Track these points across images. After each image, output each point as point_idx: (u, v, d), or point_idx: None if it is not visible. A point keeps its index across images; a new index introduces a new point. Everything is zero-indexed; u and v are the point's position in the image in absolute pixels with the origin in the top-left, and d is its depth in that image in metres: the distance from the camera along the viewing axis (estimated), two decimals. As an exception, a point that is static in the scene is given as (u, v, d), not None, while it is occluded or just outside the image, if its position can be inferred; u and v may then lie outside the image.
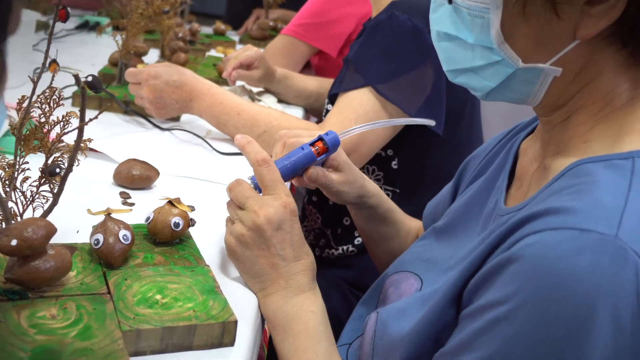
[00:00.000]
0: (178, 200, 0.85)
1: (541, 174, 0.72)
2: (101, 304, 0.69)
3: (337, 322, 0.93)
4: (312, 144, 0.90)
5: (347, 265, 1.47)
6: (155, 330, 0.67)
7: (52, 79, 0.72)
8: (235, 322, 0.71)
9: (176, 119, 1.41)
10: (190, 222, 0.84)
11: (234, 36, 2.50)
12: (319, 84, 1.73)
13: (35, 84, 0.70)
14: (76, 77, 0.66)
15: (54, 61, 0.72)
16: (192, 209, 0.92)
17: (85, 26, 2.12)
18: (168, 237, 0.82)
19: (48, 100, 0.74)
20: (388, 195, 1.44)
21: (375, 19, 1.33)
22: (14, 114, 1.10)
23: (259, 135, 1.28)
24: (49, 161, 0.74)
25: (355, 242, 1.45)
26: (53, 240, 0.79)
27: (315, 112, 1.79)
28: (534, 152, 0.78)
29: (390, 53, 1.29)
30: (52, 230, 0.68)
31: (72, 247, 0.72)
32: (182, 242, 0.84)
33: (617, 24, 0.63)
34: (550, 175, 0.68)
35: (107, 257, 0.75)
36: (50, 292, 0.69)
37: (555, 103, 0.70)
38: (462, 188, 0.97)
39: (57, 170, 0.73)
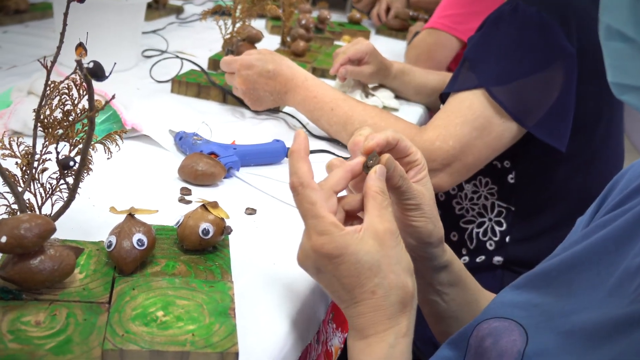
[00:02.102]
0: (215, 204, 0.77)
1: None
2: (94, 315, 0.63)
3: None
4: None
5: None
6: (141, 352, 0.60)
7: (81, 66, 0.67)
8: (236, 354, 0.62)
9: (275, 110, 1.34)
10: (224, 230, 0.76)
11: (371, 26, 2.39)
12: (442, 80, 1.57)
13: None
14: (78, 62, 0.60)
15: (80, 45, 0.67)
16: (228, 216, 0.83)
17: (217, 12, 2.11)
18: (196, 245, 0.74)
19: (77, 87, 0.69)
20: (501, 212, 1.28)
21: (498, 10, 1.17)
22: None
23: (352, 134, 1.17)
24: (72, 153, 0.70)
25: (462, 260, 1.31)
26: (90, 236, 0.76)
27: (437, 110, 1.64)
28: None
29: (512, 51, 1.14)
30: (48, 230, 0.62)
31: (78, 248, 0.67)
32: (216, 251, 0.77)
33: None
34: None
35: (118, 262, 0.69)
36: (47, 294, 0.64)
37: None
38: (598, 216, 0.76)
39: (71, 163, 0.68)
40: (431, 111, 1.63)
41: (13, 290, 0.63)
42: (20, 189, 0.68)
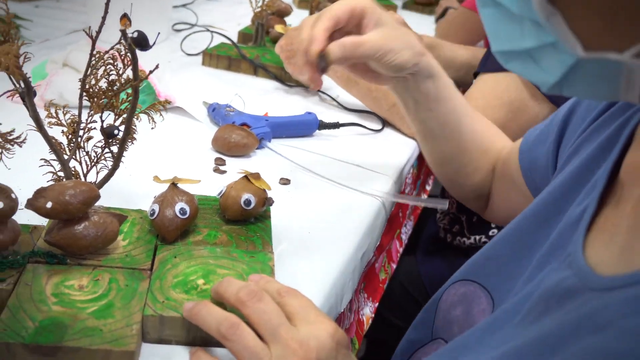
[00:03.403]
0: (257, 175, 0.77)
1: (633, 219, 0.49)
2: (136, 281, 0.64)
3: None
4: None
5: None
6: (179, 319, 0.60)
7: (125, 36, 0.67)
8: (274, 323, 0.62)
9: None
10: (266, 201, 0.76)
11: (398, 0, 2.34)
12: (471, 55, 1.53)
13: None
14: (123, 32, 0.60)
15: (124, 16, 0.67)
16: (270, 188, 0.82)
17: None
18: (238, 215, 0.74)
19: (122, 57, 0.70)
20: None
21: None
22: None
23: (393, 104, 1.15)
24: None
25: (490, 233, 1.29)
26: (133, 204, 0.76)
27: (466, 85, 1.59)
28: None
29: None
30: (92, 197, 0.63)
31: (121, 216, 0.68)
32: (257, 222, 0.77)
33: None
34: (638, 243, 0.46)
35: (160, 230, 0.69)
36: (91, 260, 0.65)
37: None
38: (560, 160, 0.72)
39: (116, 132, 0.68)
40: (460, 87, 1.59)
41: (58, 255, 0.64)
42: (66, 157, 0.69)
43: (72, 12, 1.65)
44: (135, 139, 0.72)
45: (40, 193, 0.62)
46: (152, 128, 0.74)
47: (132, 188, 0.84)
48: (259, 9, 1.41)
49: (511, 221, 0.69)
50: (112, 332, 0.57)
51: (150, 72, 0.67)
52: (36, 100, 0.60)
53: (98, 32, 0.66)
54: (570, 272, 0.51)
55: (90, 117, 0.70)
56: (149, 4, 1.37)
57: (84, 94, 0.69)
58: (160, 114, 0.73)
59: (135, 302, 0.61)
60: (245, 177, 0.76)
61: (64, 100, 1.01)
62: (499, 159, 0.92)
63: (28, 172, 0.72)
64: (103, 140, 0.70)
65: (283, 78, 1.33)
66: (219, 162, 0.95)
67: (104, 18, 0.66)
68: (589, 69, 0.45)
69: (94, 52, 0.69)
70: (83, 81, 0.68)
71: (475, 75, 1.20)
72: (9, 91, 0.62)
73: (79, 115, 0.70)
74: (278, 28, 1.35)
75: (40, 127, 0.66)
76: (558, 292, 0.51)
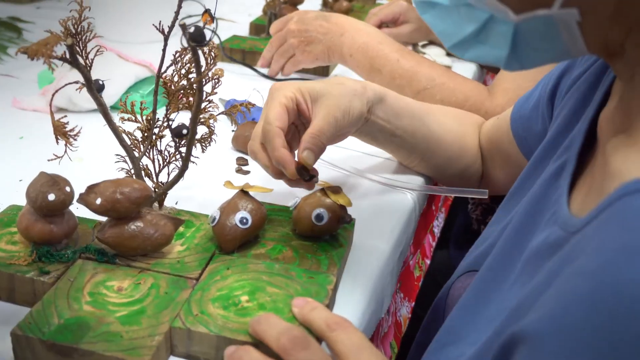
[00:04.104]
0: (336, 189, 0.70)
1: (604, 167, 0.49)
2: (177, 289, 0.60)
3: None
4: None
5: None
6: (208, 336, 0.55)
7: (184, 31, 0.63)
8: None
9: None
10: (342, 218, 0.69)
11: None
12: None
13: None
14: (182, 26, 0.57)
15: (207, 11, 0.64)
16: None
17: None
18: (308, 230, 0.68)
19: (206, 56, 0.67)
20: None
21: None
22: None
23: (417, 92, 1.04)
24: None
25: None
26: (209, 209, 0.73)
27: (492, 67, 1.42)
28: (613, 108, 0.54)
29: None
30: (144, 196, 0.61)
31: (178, 220, 0.64)
32: (332, 240, 0.70)
33: None
34: (606, 182, 0.46)
35: (218, 238, 0.66)
36: (141, 262, 0.63)
37: (608, 52, 0.49)
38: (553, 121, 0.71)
39: (184, 131, 0.66)
40: (485, 68, 1.43)
41: (108, 254, 0.63)
42: (137, 155, 0.68)
43: (76, 11, 1.62)
44: (213, 139, 0.69)
45: (92, 188, 0.61)
46: (233, 130, 0.70)
47: (211, 192, 0.81)
48: None
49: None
50: (132, 341, 0.54)
51: (157, 77, 0.64)
52: (44, 106, 0.59)
53: (170, 28, 0.64)
54: (556, 226, 0.51)
55: (168, 115, 0.68)
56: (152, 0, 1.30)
57: (164, 91, 0.68)
58: (245, 116, 0.70)
59: (168, 312, 0.57)
60: (322, 189, 0.70)
61: (73, 104, 0.98)
62: (481, 136, 0.91)
63: (109, 167, 0.72)
64: (173, 141, 0.68)
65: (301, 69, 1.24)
66: (241, 161, 0.89)
67: (177, 12, 0.64)
68: (529, 33, 0.48)
69: (177, 51, 0.67)
70: (157, 78, 0.66)
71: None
72: (73, 82, 0.61)
73: (154, 112, 0.68)
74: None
75: (109, 121, 0.65)
76: (545, 248, 0.51)
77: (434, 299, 0.74)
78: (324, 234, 0.69)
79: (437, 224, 1.13)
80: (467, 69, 1.36)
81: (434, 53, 1.42)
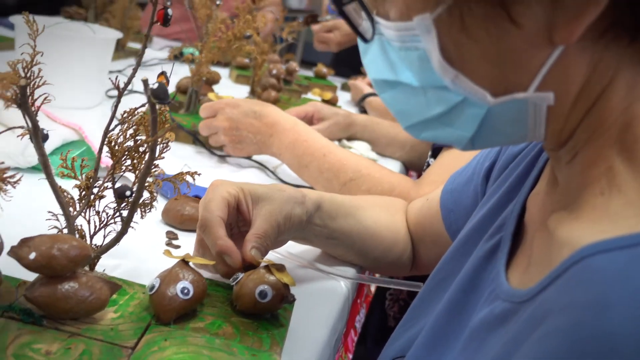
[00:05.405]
0: (281, 267, 0.68)
1: (545, 240, 0.51)
2: (111, 358, 0.55)
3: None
4: None
5: None
6: (147, 410, 0.51)
7: (146, 87, 0.61)
8: None
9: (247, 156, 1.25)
10: (286, 298, 0.66)
11: (337, 82, 2.33)
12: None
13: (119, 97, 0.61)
14: (144, 82, 0.56)
15: (162, 73, 0.63)
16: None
17: (179, 57, 1.99)
18: (250, 307, 0.65)
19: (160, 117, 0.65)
20: None
21: None
22: (69, 134, 1.00)
23: (344, 184, 1.07)
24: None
25: None
26: (146, 279, 0.69)
27: (413, 166, 1.51)
28: (543, 192, 0.57)
29: None
30: (83, 255, 0.57)
31: (115, 285, 0.60)
32: (273, 319, 0.67)
33: (613, 9, 0.43)
34: (555, 252, 0.47)
35: (156, 307, 0.61)
36: (70, 326, 0.58)
37: (560, 137, 0.50)
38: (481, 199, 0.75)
39: (128, 192, 0.62)
40: (407, 167, 1.52)
41: (35, 315, 0.57)
42: (74, 214, 0.64)
43: (28, 54, 1.57)
44: (153, 205, 0.66)
45: (26, 242, 0.56)
46: (176, 199, 0.67)
47: (139, 262, 0.77)
48: (197, 77, 1.35)
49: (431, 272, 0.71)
50: (61, 410, 0.48)
51: (155, 137, 0.62)
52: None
53: (127, 83, 0.62)
54: (499, 300, 0.52)
55: (109, 176, 0.65)
56: (86, 66, 1.31)
57: (107, 150, 0.65)
58: (190, 181, 0.67)
59: (102, 381, 0.52)
60: (267, 266, 0.68)
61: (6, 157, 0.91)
62: (409, 220, 0.93)
63: (36, 222, 0.67)
64: (115, 202, 0.64)
65: (218, 148, 1.26)
66: (171, 235, 0.86)
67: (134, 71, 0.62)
68: (499, 116, 0.49)
69: (125, 110, 0.65)
70: (104, 136, 0.63)
71: (434, 151, 1.17)
72: (13, 128, 0.57)
73: (95, 170, 0.64)
74: (211, 96, 1.32)
75: (49, 174, 0.61)
76: (491, 319, 0.51)
77: None
78: (266, 312, 0.66)
79: (359, 319, 1.11)
80: (391, 166, 1.40)
81: (361, 147, 1.46)
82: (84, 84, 1.33)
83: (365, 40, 0.53)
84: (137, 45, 2.08)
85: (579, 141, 0.50)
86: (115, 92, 1.52)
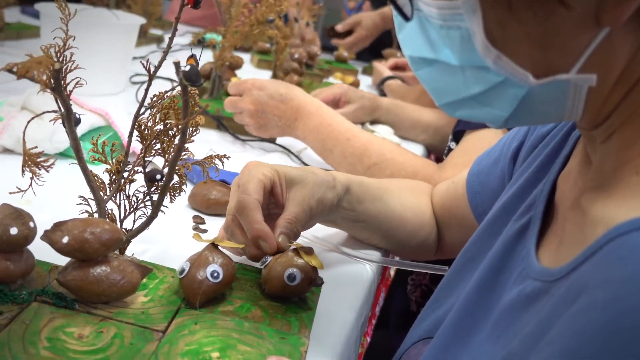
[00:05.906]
0: (309, 250, 0.68)
1: (577, 218, 0.51)
2: (143, 341, 0.55)
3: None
4: None
5: None
6: (178, 391, 0.51)
7: (178, 69, 0.61)
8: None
9: (272, 140, 1.25)
10: (314, 281, 0.67)
11: (358, 65, 2.31)
12: (437, 116, 1.47)
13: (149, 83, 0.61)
14: (176, 64, 0.56)
15: (192, 56, 0.63)
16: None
17: (201, 42, 1.96)
18: (279, 290, 0.66)
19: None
20: None
21: None
22: (96, 120, 1.01)
23: (368, 168, 1.07)
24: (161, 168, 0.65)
25: None
26: (174, 262, 0.69)
27: (435, 149, 1.50)
28: (575, 171, 0.57)
29: None
30: (113, 239, 0.57)
31: (146, 268, 0.60)
32: (301, 302, 0.67)
33: None
34: (588, 230, 0.47)
35: (187, 291, 0.62)
36: (102, 310, 0.58)
37: (597, 117, 0.50)
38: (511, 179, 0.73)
39: (158, 176, 0.63)
40: (429, 151, 1.52)
41: (68, 299, 0.58)
42: (105, 197, 0.64)
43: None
44: (182, 189, 0.67)
45: (59, 226, 0.56)
46: (205, 182, 0.68)
47: (167, 247, 0.77)
48: (220, 62, 1.35)
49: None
50: (96, 391, 0.49)
51: (186, 123, 0.62)
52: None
53: (157, 67, 0.62)
54: (530, 280, 0.52)
55: (140, 160, 0.65)
56: (110, 52, 1.32)
57: (136, 135, 0.65)
58: (217, 166, 0.68)
59: (134, 364, 0.53)
60: (296, 249, 0.68)
61: (21, 146, 0.93)
62: (434, 203, 0.93)
63: (67, 207, 0.68)
64: (145, 186, 0.65)
65: (242, 132, 1.27)
66: (198, 220, 0.87)
67: (169, 45, 0.62)
68: (539, 97, 0.49)
69: (155, 93, 0.65)
70: (134, 119, 0.64)
71: (456, 134, 1.16)
72: (46, 112, 0.58)
73: (126, 154, 0.65)
74: (234, 79, 1.31)
75: (80, 159, 0.61)
76: (522, 299, 0.52)
77: None
78: (294, 295, 0.67)
79: (379, 303, 1.11)
80: (413, 149, 1.39)
81: (384, 131, 1.45)
82: (108, 71, 1.33)
83: (406, 17, 0.52)
84: (158, 32, 2.08)
85: (615, 122, 0.49)
86: (138, 79, 1.52)
